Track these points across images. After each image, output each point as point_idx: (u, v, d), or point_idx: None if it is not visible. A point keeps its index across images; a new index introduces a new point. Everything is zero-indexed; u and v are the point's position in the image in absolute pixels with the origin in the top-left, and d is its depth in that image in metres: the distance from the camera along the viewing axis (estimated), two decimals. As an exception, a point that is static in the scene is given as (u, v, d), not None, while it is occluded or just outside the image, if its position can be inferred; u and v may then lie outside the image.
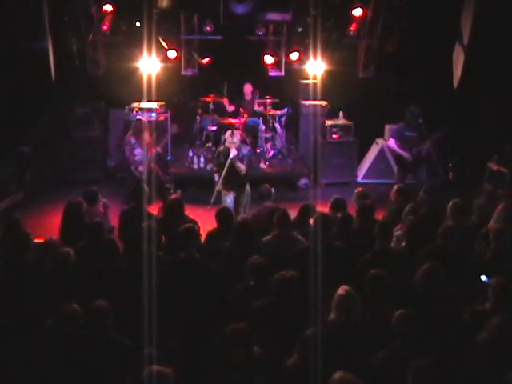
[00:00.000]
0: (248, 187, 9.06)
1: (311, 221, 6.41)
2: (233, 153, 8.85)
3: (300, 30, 12.55)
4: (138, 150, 9.47)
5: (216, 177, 9.28)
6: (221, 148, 9.39)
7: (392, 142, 9.90)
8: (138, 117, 10.30)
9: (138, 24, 12.04)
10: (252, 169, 9.71)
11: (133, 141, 9.52)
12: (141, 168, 9.47)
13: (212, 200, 9.19)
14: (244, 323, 4.38)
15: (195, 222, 6.68)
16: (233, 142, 8.97)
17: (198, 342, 4.79)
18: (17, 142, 11.42)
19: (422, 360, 3.99)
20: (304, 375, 4.17)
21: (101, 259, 5.77)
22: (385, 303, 4.83)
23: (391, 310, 4.57)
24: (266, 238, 6.35)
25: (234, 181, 8.93)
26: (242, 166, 8.90)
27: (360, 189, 7.83)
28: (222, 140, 10.00)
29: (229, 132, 9.23)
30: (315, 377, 4.09)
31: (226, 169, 8.86)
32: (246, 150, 9.26)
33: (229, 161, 8.83)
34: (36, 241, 6.10)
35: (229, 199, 8.86)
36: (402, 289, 5.11)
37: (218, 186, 9.09)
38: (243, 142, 10.15)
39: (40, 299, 5.18)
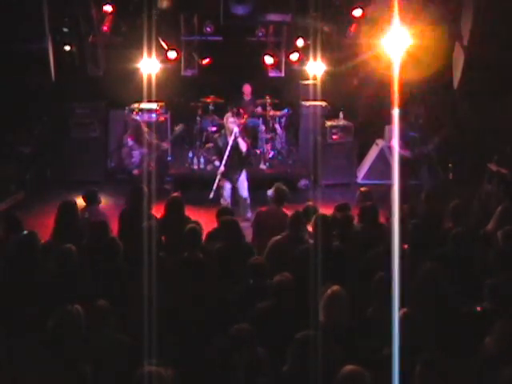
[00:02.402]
0: (244, 174, 9.12)
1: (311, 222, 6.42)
2: (235, 130, 9.03)
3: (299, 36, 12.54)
4: (135, 153, 9.41)
5: (217, 163, 9.39)
6: (217, 134, 9.57)
7: (394, 142, 9.93)
8: (135, 117, 10.19)
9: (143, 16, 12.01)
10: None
11: (130, 142, 9.44)
12: (135, 171, 9.41)
13: (214, 187, 9.18)
14: (248, 324, 4.39)
15: (197, 223, 6.66)
16: (233, 121, 9.19)
17: (199, 342, 4.78)
18: (17, 143, 11.42)
19: (430, 352, 4.02)
20: (300, 380, 4.17)
21: (102, 259, 5.77)
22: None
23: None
24: (277, 237, 6.36)
25: (235, 161, 9.10)
26: (243, 144, 9.04)
27: (363, 189, 7.80)
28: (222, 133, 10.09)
29: (228, 114, 9.47)
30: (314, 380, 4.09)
31: (229, 148, 8.98)
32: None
33: (233, 137, 8.94)
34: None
35: (225, 193, 9.04)
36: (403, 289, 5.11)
37: (220, 170, 9.18)
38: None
39: (41, 299, 5.17)
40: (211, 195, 9.16)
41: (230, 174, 9.27)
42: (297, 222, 6.39)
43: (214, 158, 9.59)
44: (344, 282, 5.01)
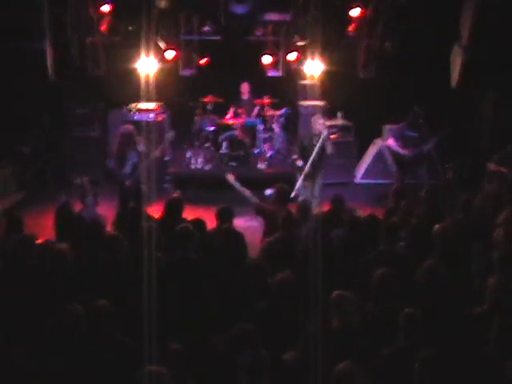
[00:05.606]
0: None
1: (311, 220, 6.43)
2: (324, 133, 9.28)
3: (297, 36, 12.54)
4: (127, 162, 8.78)
5: (299, 163, 9.56)
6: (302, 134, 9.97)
7: (391, 141, 9.94)
8: (125, 126, 9.23)
9: (130, 28, 12.07)
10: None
11: (118, 151, 8.88)
12: (127, 183, 8.73)
13: (296, 187, 9.28)
14: (250, 324, 4.40)
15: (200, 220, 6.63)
16: (322, 123, 9.46)
17: (197, 342, 4.78)
18: (17, 143, 11.43)
19: (429, 350, 4.04)
20: (301, 370, 4.18)
21: (101, 259, 5.77)
22: (391, 302, 4.85)
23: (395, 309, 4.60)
24: (270, 238, 6.34)
25: (319, 163, 9.36)
26: (330, 147, 9.37)
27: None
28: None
29: (317, 116, 9.71)
30: (314, 371, 4.10)
31: (317, 149, 9.20)
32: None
33: (320, 140, 9.22)
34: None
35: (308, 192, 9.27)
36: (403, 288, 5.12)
37: (306, 170, 9.32)
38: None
39: (41, 299, 5.17)
40: (293, 194, 9.14)
41: (313, 175, 9.41)
42: (289, 222, 6.36)
43: (294, 157, 9.67)
44: (343, 282, 5.03)
